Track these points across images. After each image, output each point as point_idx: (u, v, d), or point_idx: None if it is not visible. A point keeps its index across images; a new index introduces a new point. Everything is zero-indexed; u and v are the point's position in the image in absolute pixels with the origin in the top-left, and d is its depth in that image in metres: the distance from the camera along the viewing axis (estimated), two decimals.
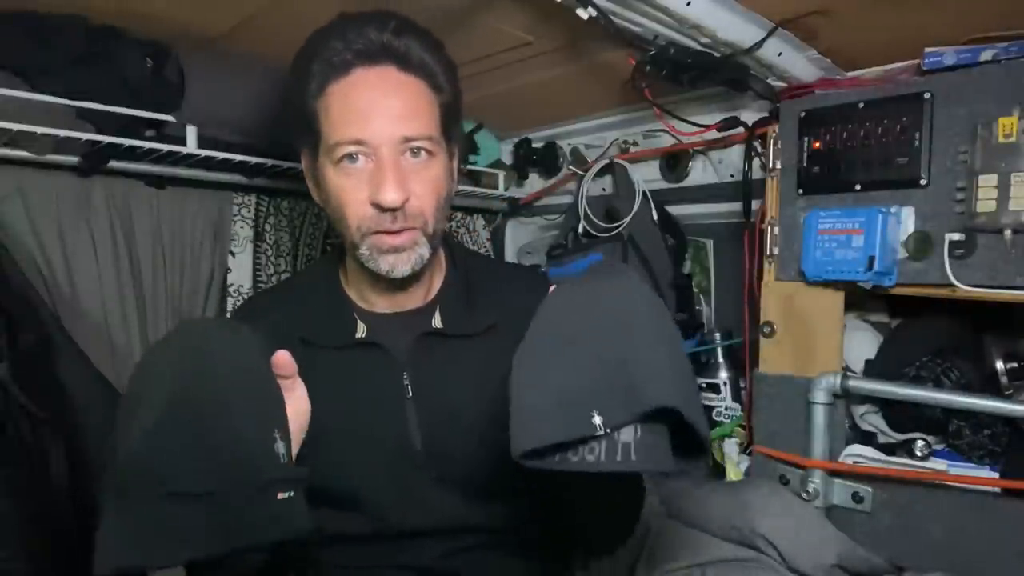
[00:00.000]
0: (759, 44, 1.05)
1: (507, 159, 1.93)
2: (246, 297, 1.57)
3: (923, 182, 1.05)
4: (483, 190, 1.87)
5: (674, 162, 1.59)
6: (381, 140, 0.85)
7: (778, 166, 1.22)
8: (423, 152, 0.88)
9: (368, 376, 0.95)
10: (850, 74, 1.21)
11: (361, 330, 0.96)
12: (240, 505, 0.63)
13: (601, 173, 1.67)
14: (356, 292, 1.00)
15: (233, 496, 0.63)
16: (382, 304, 0.99)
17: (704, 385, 1.56)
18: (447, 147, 0.93)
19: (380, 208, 0.85)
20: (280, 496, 0.66)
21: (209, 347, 0.70)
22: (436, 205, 0.90)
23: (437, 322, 0.98)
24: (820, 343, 1.19)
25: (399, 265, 0.89)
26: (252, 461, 0.66)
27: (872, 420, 1.19)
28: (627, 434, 0.61)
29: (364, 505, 0.93)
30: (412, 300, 0.99)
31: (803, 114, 1.18)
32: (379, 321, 0.97)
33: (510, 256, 2.07)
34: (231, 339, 0.73)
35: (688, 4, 0.93)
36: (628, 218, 1.57)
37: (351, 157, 0.86)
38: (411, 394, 0.95)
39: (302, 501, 0.69)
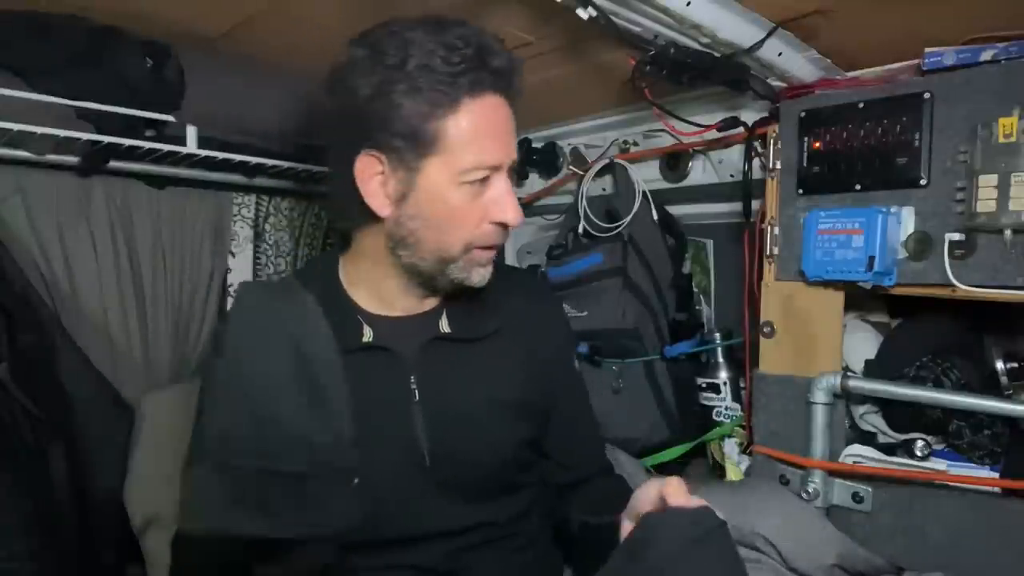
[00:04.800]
0: (759, 44, 1.05)
1: None
2: None
3: (923, 182, 1.05)
4: None
5: (674, 162, 1.59)
6: (507, 165, 0.89)
7: (778, 166, 1.22)
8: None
9: (375, 380, 0.94)
10: (850, 74, 1.21)
11: (368, 334, 0.95)
12: (328, 489, 0.64)
13: (601, 173, 1.67)
14: (366, 294, 0.98)
15: (324, 477, 0.64)
16: (398, 307, 0.98)
17: (704, 385, 1.56)
18: None
19: (504, 226, 0.90)
20: (354, 482, 0.66)
21: (305, 317, 0.69)
22: None
23: (445, 326, 0.98)
24: (820, 343, 1.19)
25: (487, 275, 0.94)
26: (348, 442, 0.67)
27: (872, 420, 1.19)
28: None
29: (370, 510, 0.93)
30: (427, 303, 1.00)
31: (803, 114, 1.18)
32: (384, 324, 0.97)
33: (510, 256, 2.07)
34: (317, 315, 0.72)
35: (688, 4, 0.93)
36: (628, 218, 1.57)
37: (483, 179, 0.87)
38: (418, 397, 0.95)
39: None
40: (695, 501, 0.76)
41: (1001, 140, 0.95)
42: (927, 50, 1.06)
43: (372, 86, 0.83)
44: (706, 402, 1.55)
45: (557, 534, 1.11)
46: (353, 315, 0.97)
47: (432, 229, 0.88)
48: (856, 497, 1.15)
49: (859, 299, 1.22)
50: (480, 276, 0.93)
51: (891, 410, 1.16)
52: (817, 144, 1.16)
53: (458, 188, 0.86)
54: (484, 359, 0.99)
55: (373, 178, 0.88)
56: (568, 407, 1.10)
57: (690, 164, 1.57)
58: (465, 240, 0.89)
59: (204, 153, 1.32)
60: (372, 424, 0.92)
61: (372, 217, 0.90)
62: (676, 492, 0.75)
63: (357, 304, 0.98)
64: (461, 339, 0.98)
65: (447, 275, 0.92)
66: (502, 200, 0.88)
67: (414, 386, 0.95)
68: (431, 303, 1.00)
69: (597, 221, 1.63)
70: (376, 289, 0.98)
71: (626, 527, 0.85)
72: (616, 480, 1.15)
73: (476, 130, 0.85)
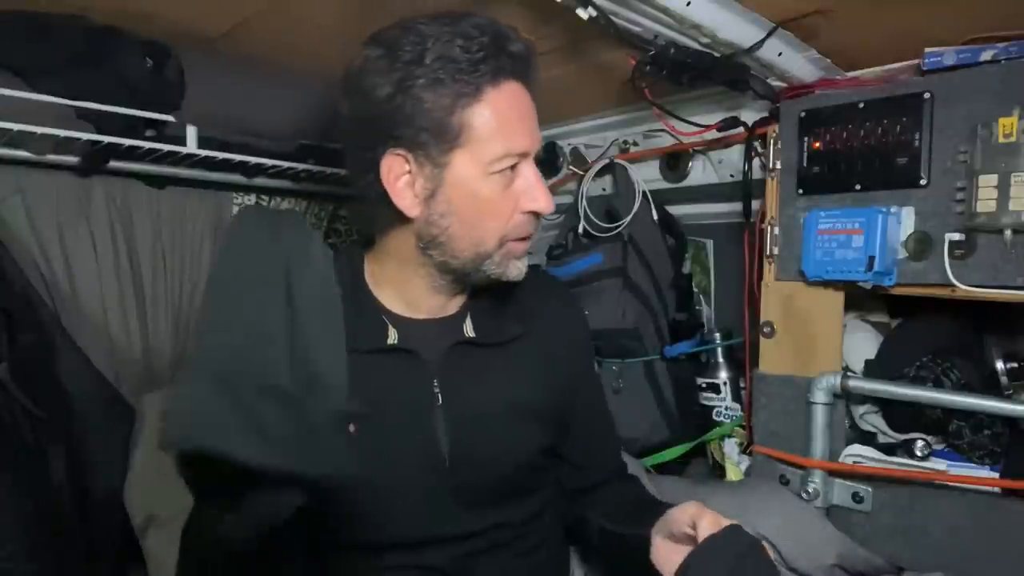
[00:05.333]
0: (759, 44, 1.05)
1: None
2: None
3: (923, 182, 1.05)
4: None
5: (674, 162, 1.59)
6: (534, 151, 0.88)
7: (778, 166, 1.22)
8: None
9: (398, 382, 0.93)
10: (850, 74, 1.21)
11: (392, 336, 0.93)
12: (320, 425, 0.59)
13: (601, 173, 1.67)
14: (391, 295, 0.97)
15: (317, 412, 0.59)
16: (423, 309, 0.97)
17: (704, 385, 1.56)
18: None
19: (536, 215, 0.89)
20: (351, 429, 0.63)
21: (306, 255, 0.66)
22: None
23: (469, 331, 0.97)
24: (820, 343, 1.19)
25: (523, 267, 0.93)
26: (337, 385, 0.62)
27: (872, 420, 1.19)
28: None
29: (383, 511, 0.92)
30: (452, 306, 0.99)
31: (803, 114, 1.18)
32: (409, 326, 0.95)
33: None
34: (319, 256, 0.70)
35: (688, 4, 0.93)
36: (628, 218, 1.57)
37: (512, 167, 0.86)
38: (440, 401, 0.94)
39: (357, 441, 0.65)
40: (724, 521, 0.77)
41: (1001, 140, 0.95)
42: (927, 50, 1.06)
43: (392, 84, 0.81)
44: (706, 402, 1.55)
45: (569, 535, 1.11)
46: (378, 316, 0.95)
47: (464, 225, 0.86)
48: (856, 497, 1.15)
49: (859, 299, 1.22)
50: (517, 270, 0.92)
51: (891, 410, 1.16)
52: (817, 144, 1.16)
53: (487, 179, 0.85)
54: (507, 363, 0.98)
55: (400, 178, 0.86)
56: (588, 411, 1.10)
57: (690, 164, 1.57)
58: (499, 233, 0.88)
59: (204, 153, 1.32)
60: (393, 425, 0.91)
61: (400, 219, 0.88)
62: (706, 521, 0.77)
63: (382, 305, 0.96)
64: (485, 344, 0.97)
65: (483, 271, 0.90)
66: (532, 189, 0.87)
67: (437, 390, 0.94)
68: (456, 305, 0.99)
69: (597, 221, 1.63)
70: (402, 290, 0.96)
71: (657, 542, 0.87)
72: (632, 483, 1.15)
73: (501, 118, 0.83)
